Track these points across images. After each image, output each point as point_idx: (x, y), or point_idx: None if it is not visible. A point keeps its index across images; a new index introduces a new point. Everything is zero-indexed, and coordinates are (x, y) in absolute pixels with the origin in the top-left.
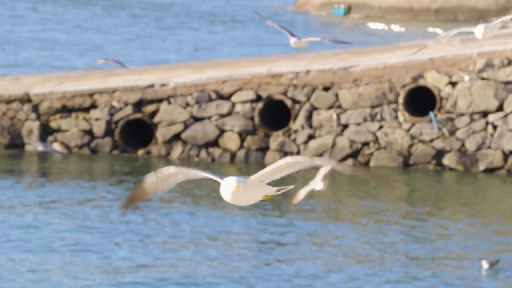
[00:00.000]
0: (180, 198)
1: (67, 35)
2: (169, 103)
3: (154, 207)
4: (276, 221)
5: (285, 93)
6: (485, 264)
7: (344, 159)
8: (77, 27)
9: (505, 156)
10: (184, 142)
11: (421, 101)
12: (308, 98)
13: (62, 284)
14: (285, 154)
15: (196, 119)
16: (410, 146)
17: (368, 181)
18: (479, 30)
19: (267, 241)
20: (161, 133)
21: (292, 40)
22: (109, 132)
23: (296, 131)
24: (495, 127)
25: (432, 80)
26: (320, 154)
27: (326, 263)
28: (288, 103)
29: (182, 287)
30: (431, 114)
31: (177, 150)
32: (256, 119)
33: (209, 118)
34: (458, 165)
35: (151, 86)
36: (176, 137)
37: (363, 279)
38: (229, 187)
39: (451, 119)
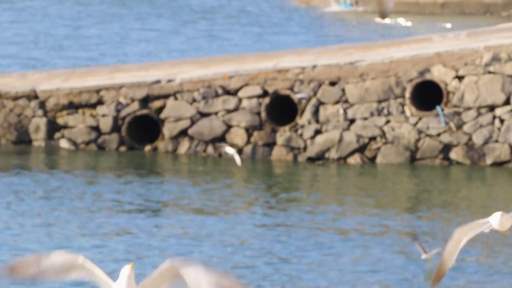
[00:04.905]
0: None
1: (73, 31)
2: (176, 98)
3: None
4: (278, 229)
5: (291, 88)
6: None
7: (351, 154)
8: (81, 22)
9: None
10: (191, 138)
11: (427, 95)
12: (315, 93)
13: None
14: (292, 149)
15: (203, 115)
16: (417, 140)
17: (373, 176)
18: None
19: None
20: (168, 129)
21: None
22: (116, 128)
23: (302, 126)
24: (502, 121)
25: (439, 74)
26: (327, 149)
27: (330, 265)
28: (295, 98)
29: None
30: (438, 108)
31: (184, 146)
32: (263, 114)
33: (216, 113)
34: (465, 159)
35: (158, 82)
36: (183, 132)
37: (362, 273)
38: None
39: (458, 113)
